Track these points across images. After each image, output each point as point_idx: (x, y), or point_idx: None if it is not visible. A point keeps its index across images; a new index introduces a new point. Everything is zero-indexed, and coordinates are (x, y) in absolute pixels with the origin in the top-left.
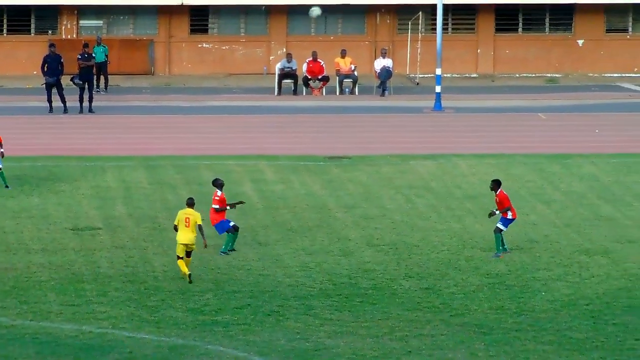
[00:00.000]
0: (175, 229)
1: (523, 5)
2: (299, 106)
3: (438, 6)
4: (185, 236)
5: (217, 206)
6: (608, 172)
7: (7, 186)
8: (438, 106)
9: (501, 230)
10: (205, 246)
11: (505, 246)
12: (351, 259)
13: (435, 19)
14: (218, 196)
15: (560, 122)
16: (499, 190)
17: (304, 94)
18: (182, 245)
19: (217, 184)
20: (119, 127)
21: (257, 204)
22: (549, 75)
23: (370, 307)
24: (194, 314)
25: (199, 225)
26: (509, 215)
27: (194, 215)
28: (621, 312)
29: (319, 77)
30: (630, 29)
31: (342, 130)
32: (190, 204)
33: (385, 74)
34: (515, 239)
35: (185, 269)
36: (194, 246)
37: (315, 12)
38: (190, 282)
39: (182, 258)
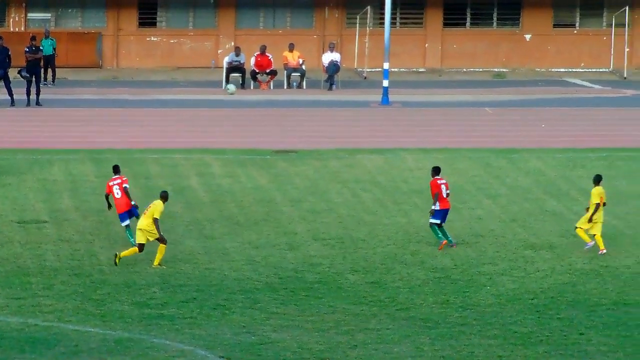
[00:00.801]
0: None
1: (471, 0)
2: (247, 100)
3: (386, 0)
4: (141, 222)
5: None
6: (554, 167)
7: None
8: (385, 100)
9: (432, 223)
10: (160, 240)
11: (450, 238)
12: (297, 252)
13: (384, 13)
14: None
15: (506, 116)
16: (433, 177)
17: (252, 87)
18: (140, 232)
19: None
20: (66, 120)
21: (203, 198)
22: (496, 70)
23: (316, 301)
24: (139, 308)
25: (156, 219)
26: (437, 206)
27: (155, 206)
28: (566, 306)
29: (267, 70)
30: (577, 24)
31: (290, 124)
32: (164, 197)
33: (333, 68)
34: (460, 233)
35: (125, 253)
36: (152, 236)
37: (231, 89)
38: (116, 264)
39: (141, 246)
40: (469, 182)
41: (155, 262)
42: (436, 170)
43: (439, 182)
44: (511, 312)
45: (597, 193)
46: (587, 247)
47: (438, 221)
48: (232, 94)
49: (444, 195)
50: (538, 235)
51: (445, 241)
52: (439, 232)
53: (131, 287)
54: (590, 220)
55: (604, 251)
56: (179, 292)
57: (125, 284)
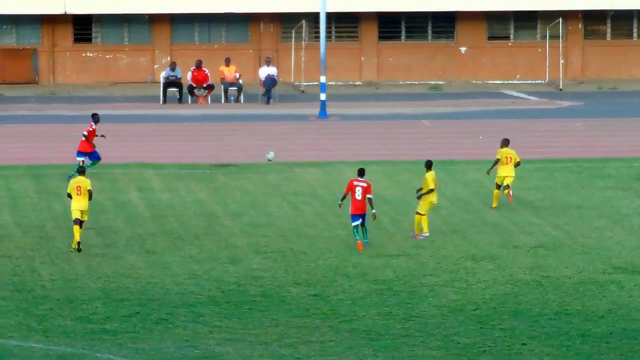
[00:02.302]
0: (69, 196)
1: (405, 13)
2: (185, 115)
3: (321, 14)
4: (78, 203)
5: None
6: (492, 178)
7: None
8: (323, 114)
9: (354, 225)
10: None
11: (365, 240)
12: (239, 266)
13: (319, 27)
14: (92, 129)
15: (444, 129)
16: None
17: (189, 102)
18: (76, 211)
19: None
20: (4, 137)
21: (144, 212)
22: (432, 82)
23: (258, 314)
24: (82, 323)
25: (89, 191)
26: (349, 210)
27: (84, 183)
28: (508, 317)
29: (204, 85)
30: (511, 36)
31: (228, 138)
32: (81, 171)
33: (270, 82)
34: (402, 245)
35: (77, 237)
36: (86, 215)
37: (271, 156)
38: (79, 250)
39: (79, 222)
40: (408, 194)
41: (77, 237)
42: (359, 172)
43: (354, 183)
44: (454, 323)
45: (430, 179)
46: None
47: (358, 222)
48: (270, 160)
49: (357, 197)
50: (479, 247)
51: (359, 242)
52: (356, 234)
53: (73, 302)
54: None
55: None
56: (122, 307)
57: (67, 299)
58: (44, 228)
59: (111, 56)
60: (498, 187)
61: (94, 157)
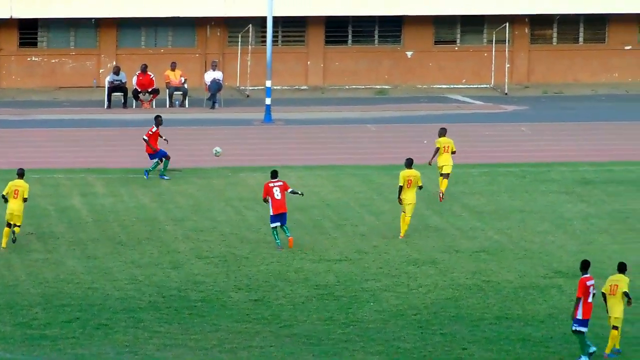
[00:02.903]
0: (5, 199)
1: (352, 17)
2: (129, 119)
3: (268, 19)
4: (14, 206)
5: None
6: (436, 182)
7: None
8: (268, 118)
9: (273, 227)
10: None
11: (278, 241)
12: (181, 271)
13: (265, 32)
14: (152, 132)
15: (389, 133)
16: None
17: (134, 106)
18: (9, 214)
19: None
20: None
21: (86, 217)
22: (378, 86)
23: (199, 320)
24: (22, 328)
25: (25, 198)
26: (271, 211)
27: (23, 187)
28: (448, 321)
29: (149, 89)
30: (458, 40)
31: (173, 143)
32: (21, 174)
33: (216, 86)
34: (344, 250)
35: (4, 242)
36: (20, 219)
37: (217, 151)
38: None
39: (10, 226)
40: (352, 199)
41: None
42: (272, 174)
43: (270, 185)
44: (394, 327)
45: (403, 176)
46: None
47: (277, 224)
48: (218, 154)
49: (277, 197)
50: (421, 251)
51: (290, 240)
52: (277, 237)
53: (13, 307)
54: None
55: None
56: (62, 312)
57: (6, 304)
58: None
59: (57, 60)
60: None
61: (158, 156)
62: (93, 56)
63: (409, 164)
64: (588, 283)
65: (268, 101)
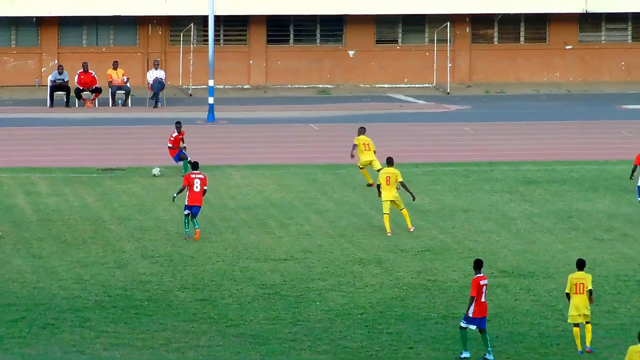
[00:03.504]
0: None
1: (294, 16)
2: (72, 118)
3: (210, 17)
4: None
5: (170, 145)
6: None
7: None
8: (211, 117)
9: (186, 214)
10: None
11: (188, 231)
12: (126, 270)
13: (207, 31)
14: (173, 137)
15: (332, 132)
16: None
17: (77, 105)
18: None
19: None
20: None
21: (30, 217)
22: (321, 86)
23: (146, 319)
24: None
25: None
26: (186, 201)
27: None
28: (395, 320)
29: (92, 88)
30: (400, 40)
31: (116, 142)
32: (194, 165)
33: (158, 85)
34: (289, 249)
35: None
36: None
37: (155, 171)
38: None
39: None
40: (296, 198)
41: None
42: (193, 166)
43: (192, 176)
44: (341, 327)
45: (382, 174)
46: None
47: (188, 212)
48: (156, 175)
49: (195, 190)
50: (366, 250)
51: (197, 231)
52: (187, 225)
53: None
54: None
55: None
56: (7, 312)
57: None
58: None
59: None
60: (361, 169)
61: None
62: (35, 55)
63: (390, 162)
64: (481, 282)
65: (211, 100)
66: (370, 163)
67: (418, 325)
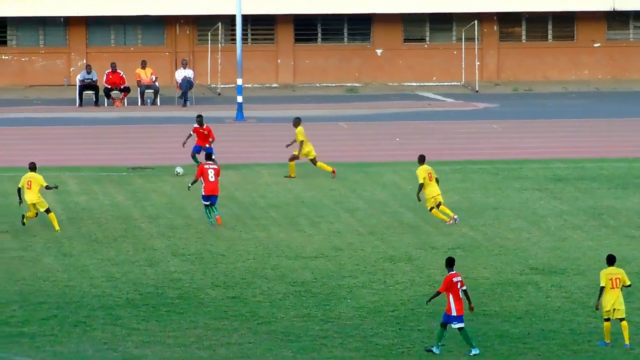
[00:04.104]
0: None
1: (321, 15)
2: (101, 117)
3: (237, 17)
4: (29, 197)
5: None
6: (409, 180)
7: None
8: (240, 116)
9: (205, 206)
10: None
11: (212, 220)
12: (157, 268)
13: (235, 30)
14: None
15: (361, 131)
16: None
17: (106, 105)
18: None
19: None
20: None
21: (61, 215)
22: (349, 84)
23: (177, 317)
24: None
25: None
26: (203, 191)
27: (35, 178)
28: (426, 318)
29: (120, 87)
30: (427, 38)
31: (145, 141)
32: (32, 167)
33: (187, 84)
34: (320, 247)
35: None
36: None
37: (178, 170)
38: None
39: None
40: (327, 197)
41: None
42: (206, 156)
43: (205, 166)
44: (372, 324)
45: (422, 171)
46: (453, 221)
47: (208, 202)
48: (179, 174)
49: (210, 179)
50: (396, 248)
51: (217, 217)
52: (209, 214)
53: None
54: (419, 199)
55: (456, 218)
56: (39, 310)
57: None
58: None
59: (27, 59)
60: (312, 162)
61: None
62: (63, 54)
63: (422, 159)
64: (454, 279)
65: (240, 99)
66: (308, 153)
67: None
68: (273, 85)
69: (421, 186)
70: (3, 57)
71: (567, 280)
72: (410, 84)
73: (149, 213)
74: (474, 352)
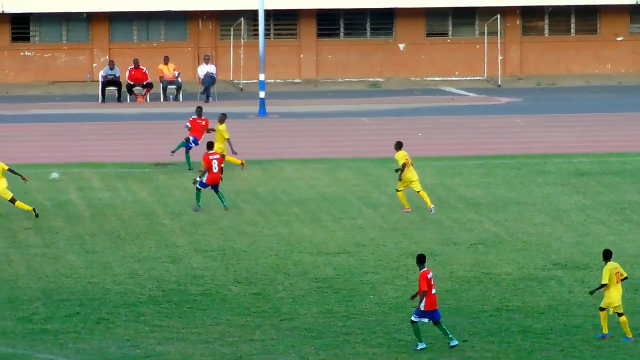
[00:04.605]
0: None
1: (344, 10)
2: (124, 113)
3: (260, 12)
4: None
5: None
6: (432, 175)
7: None
8: (262, 111)
9: (198, 189)
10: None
11: (225, 204)
12: (179, 265)
13: (257, 25)
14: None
15: (384, 126)
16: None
17: (128, 101)
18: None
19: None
20: None
21: (84, 212)
22: (371, 79)
23: (200, 313)
24: (23, 323)
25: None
26: (204, 179)
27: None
28: (448, 313)
29: (143, 83)
30: (450, 32)
31: (168, 137)
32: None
33: (209, 80)
34: (342, 243)
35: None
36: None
37: (53, 175)
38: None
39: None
40: (349, 192)
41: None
42: (208, 145)
43: (210, 157)
44: (395, 320)
45: (400, 156)
46: (404, 211)
47: (207, 187)
48: (54, 179)
49: (214, 170)
50: (419, 243)
51: (199, 209)
52: (199, 199)
53: (13, 302)
54: (400, 179)
55: (432, 208)
56: (62, 307)
57: (7, 299)
58: None
59: (49, 55)
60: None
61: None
62: (86, 50)
63: (400, 145)
64: (429, 276)
65: (262, 94)
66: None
67: (472, 318)
68: (295, 81)
69: (404, 166)
70: (26, 53)
71: (590, 275)
72: (433, 78)
73: (172, 209)
74: (420, 346)
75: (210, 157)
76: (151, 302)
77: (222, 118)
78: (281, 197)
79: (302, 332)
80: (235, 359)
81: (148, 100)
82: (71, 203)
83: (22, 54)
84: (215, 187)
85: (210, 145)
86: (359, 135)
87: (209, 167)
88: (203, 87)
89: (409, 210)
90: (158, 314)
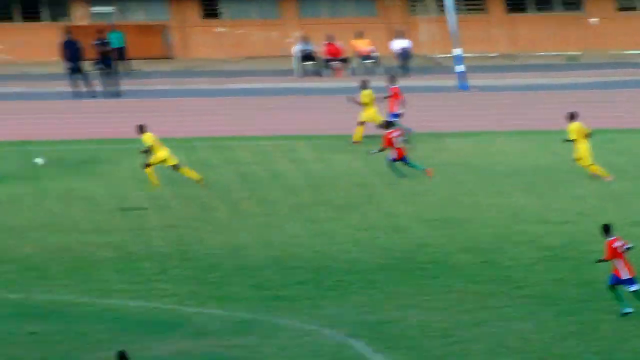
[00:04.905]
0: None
1: None
2: (324, 87)
3: None
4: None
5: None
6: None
7: None
8: (463, 85)
9: (391, 161)
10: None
11: (421, 167)
12: (403, 234)
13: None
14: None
15: (593, 98)
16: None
17: (327, 75)
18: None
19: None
20: (147, 111)
21: (299, 182)
22: (567, 53)
23: (430, 281)
24: (256, 290)
25: None
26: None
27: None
28: None
29: (340, 58)
30: None
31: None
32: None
33: (405, 54)
34: (564, 213)
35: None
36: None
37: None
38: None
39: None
40: (564, 163)
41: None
42: (386, 124)
43: (390, 135)
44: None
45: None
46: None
47: (397, 162)
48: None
49: (397, 146)
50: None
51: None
52: (397, 168)
53: (244, 270)
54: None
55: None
56: (293, 274)
57: (237, 267)
58: (200, 198)
59: (242, 31)
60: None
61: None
62: (277, 26)
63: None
64: (614, 245)
65: (460, 68)
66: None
67: None
68: (490, 55)
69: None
70: (219, 29)
71: None
72: (631, 52)
73: (388, 180)
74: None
75: (391, 135)
76: (380, 270)
77: (364, 84)
78: (497, 167)
79: (536, 299)
80: (474, 325)
81: (349, 74)
82: (285, 174)
83: (215, 30)
84: (404, 160)
85: (388, 124)
86: (562, 108)
87: (390, 146)
88: (399, 62)
89: (611, 178)
90: (391, 281)
